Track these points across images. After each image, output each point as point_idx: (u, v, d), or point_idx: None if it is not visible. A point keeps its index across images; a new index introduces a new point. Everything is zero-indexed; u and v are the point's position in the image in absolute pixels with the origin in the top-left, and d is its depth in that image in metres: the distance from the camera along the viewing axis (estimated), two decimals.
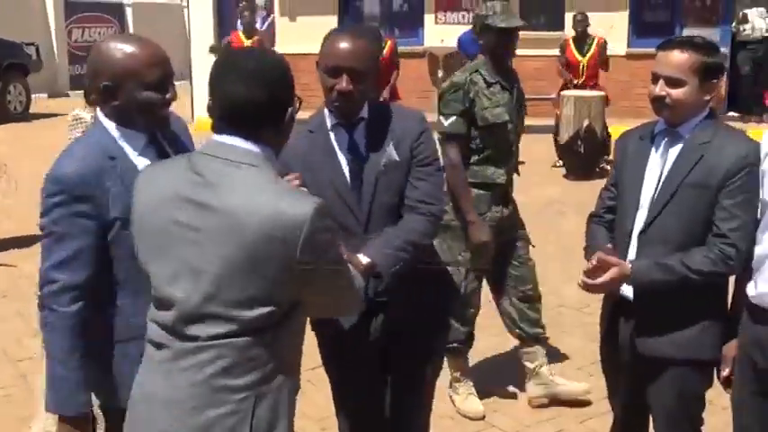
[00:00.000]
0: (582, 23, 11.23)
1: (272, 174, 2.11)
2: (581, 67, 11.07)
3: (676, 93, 2.87)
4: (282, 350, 2.16)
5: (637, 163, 3.04)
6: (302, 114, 2.38)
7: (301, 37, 14.13)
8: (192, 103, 14.71)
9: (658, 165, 2.98)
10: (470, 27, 11.11)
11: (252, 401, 2.10)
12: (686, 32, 14.48)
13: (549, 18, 14.96)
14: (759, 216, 2.80)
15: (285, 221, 1.99)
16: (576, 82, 11.08)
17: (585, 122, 10.38)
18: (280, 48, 16.07)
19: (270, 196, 2.03)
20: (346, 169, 2.96)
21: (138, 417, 2.21)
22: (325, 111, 3.00)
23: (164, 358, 2.16)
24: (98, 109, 2.65)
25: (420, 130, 2.99)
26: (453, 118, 4.29)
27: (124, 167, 2.55)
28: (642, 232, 2.96)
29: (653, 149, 3.01)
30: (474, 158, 4.35)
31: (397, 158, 2.93)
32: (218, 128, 2.13)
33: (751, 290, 2.79)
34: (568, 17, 12.78)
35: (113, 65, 2.52)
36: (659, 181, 2.94)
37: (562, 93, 10.81)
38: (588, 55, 11.12)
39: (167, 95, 2.60)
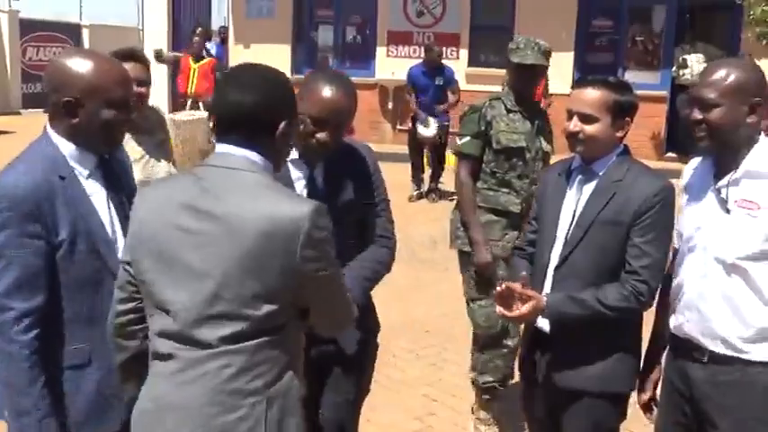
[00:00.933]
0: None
1: (271, 179, 2.13)
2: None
3: (589, 129, 2.90)
4: (288, 352, 2.17)
5: (554, 198, 3.06)
6: None
7: None
8: None
9: (573, 201, 3.00)
10: (420, 60, 11.28)
11: (264, 405, 2.10)
12: (628, 75, 14.69)
13: (497, 56, 14.89)
14: (675, 248, 2.90)
15: (285, 221, 2.02)
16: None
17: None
18: None
19: (269, 198, 2.06)
20: None
21: (151, 428, 2.15)
22: None
23: (174, 369, 2.11)
24: (48, 124, 2.45)
25: (372, 170, 2.99)
26: (467, 138, 4.29)
27: (73, 188, 2.41)
28: (557, 267, 2.98)
29: (568, 186, 3.03)
30: (488, 183, 4.29)
31: (353, 197, 2.90)
32: (218, 137, 2.15)
33: (672, 321, 2.87)
34: None
35: (78, 80, 2.37)
36: (574, 217, 2.96)
37: None
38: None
39: (130, 115, 2.52)
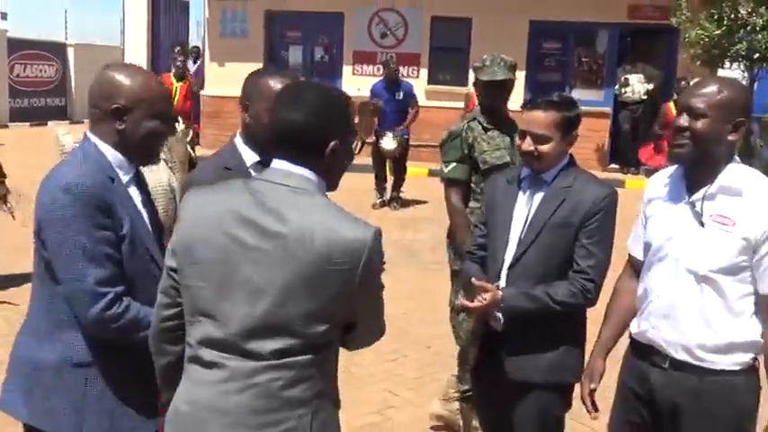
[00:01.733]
0: None
1: (328, 200, 2.06)
2: None
3: (543, 148, 2.95)
4: (331, 367, 2.13)
5: (505, 204, 3.09)
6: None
7: (229, 81, 14.03)
8: None
9: (525, 207, 3.03)
10: (382, 77, 11.58)
11: (309, 418, 2.03)
12: (575, 93, 14.99)
13: (454, 75, 15.30)
14: (642, 258, 2.84)
15: (345, 245, 1.95)
16: None
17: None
18: (208, 90, 16.07)
19: (329, 220, 1.97)
20: None
21: (191, 429, 2.06)
22: (240, 148, 2.80)
23: (219, 378, 2.01)
24: (90, 132, 2.45)
25: None
26: (453, 164, 4.19)
27: (122, 189, 2.42)
28: (511, 266, 3.01)
29: (520, 193, 3.07)
30: (481, 203, 4.07)
31: None
32: (274, 152, 2.09)
33: (634, 327, 2.83)
34: (472, 75, 13.04)
35: (129, 88, 2.40)
36: (526, 222, 3.00)
37: None
38: None
39: (168, 129, 2.53)
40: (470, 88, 11.82)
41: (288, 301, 1.95)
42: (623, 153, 14.95)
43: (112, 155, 2.42)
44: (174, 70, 11.62)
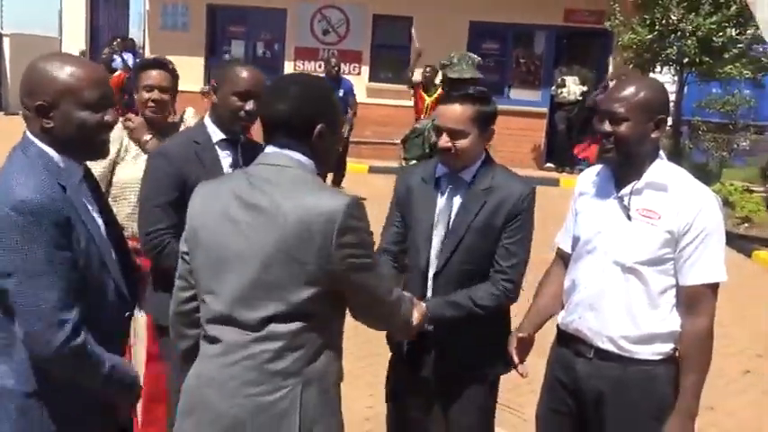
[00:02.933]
0: (431, 73, 11.86)
1: (313, 176, 2.19)
2: (426, 105, 11.66)
3: (461, 143, 2.90)
4: (327, 338, 2.18)
5: (425, 205, 3.03)
6: None
7: None
8: None
9: (446, 210, 2.99)
10: (323, 74, 11.61)
11: (300, 387, 2.11)
12: (513, 93, 15.23)
13: (395, 73, 15.33)
14: (570, 251, 2.88)
15: (323, 210, 2.06)
16: (422, 117, 11.66)
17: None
18: None
19: (309, 191, 2.11)
20: None
21: (195, 401, 2.17)
22: (208, 126, 3.15)
23: (218, 351, 2.15)
24: (28, 132, 2.22)
25: None
26: (413, 162, 4.18)
27: (74, 195, 2.20)
28: (437, 274, 2.98)
29: (438, 195, 3.01)
30: None
31: None
32: (264, 139, 2.24)
33: (560, 317, 2.88)
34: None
35: (50, 81, 2.14)
36: (448, 226, 2.96)
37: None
38: (433, 97, 11.73)
39: (106, 117, 2.22)
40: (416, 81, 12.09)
41: (271, 267, 2.07)
42: (559, 152, 15.19)
43: (57, 157, 2.19)
44: (102, 62, 11.54)
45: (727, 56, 12.16)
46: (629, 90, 2.61)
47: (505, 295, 2.93)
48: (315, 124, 2.18)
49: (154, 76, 3.67)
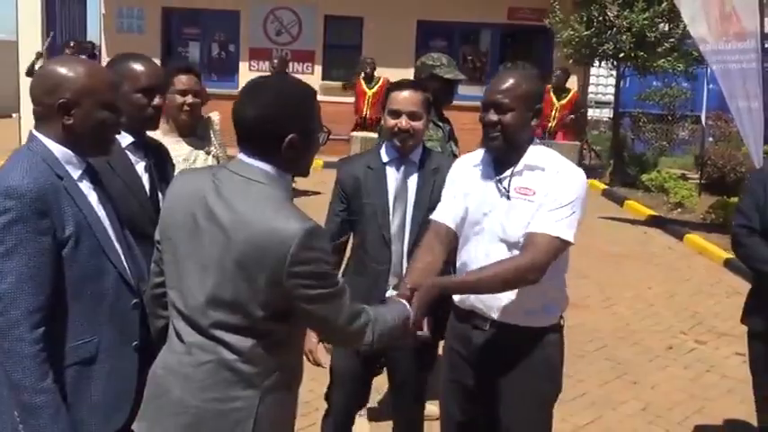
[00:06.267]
0: (370, 65, 12.02)
1: (280, 192, 2.06)
2: (367, 97, 12.07)
3: (417, 125, 3.15)
4: (286, 351, 2.13)
5: (378, 189, 3.22)
6: None
7: None
8: (20, 136, 13.99)
9: (403, 190, 3.20)
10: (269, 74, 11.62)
11: (257, 398, 2.07)
12: (461, 89, 15.21)
13: (347, 71, 15.40)
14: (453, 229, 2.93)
15: (277, 237, 1.95)
16: (365, 114, 12.02)
17: None
18: None
19: (269, 213, 1.99)
20: (147, 186, 2.89)
21: (161, 390, 2.15)
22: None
23: (182, 350, 2.11)
24: (35, 130, 2.29)
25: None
26: None
27: (71, 185, 2.25)
28: (411, 249, 3.13)
29: (390, 177, 3.23)
30: None
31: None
32: (238, 145, 2.11)
33: (456, 297, 2.97)
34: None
35: (73, 81, 2.22)
36: (410, 203, 3.20)
37: (352, 133, 11.20)
38: (374, 89, 11.87)
39: (121, 119, 2.38)
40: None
41: (226, 283, 2.01)
42: None
43: (60, 151, 2.26)
44: None
45: (660, 50, 12.42)
46: (513, 82, 2.74)
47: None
48: (286, 134, 2.05)
49: (186, 80, 3.68)
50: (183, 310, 2.12)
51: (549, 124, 11.54)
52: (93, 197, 2.34)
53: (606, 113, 18.56)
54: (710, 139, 14.97)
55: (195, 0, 15.74)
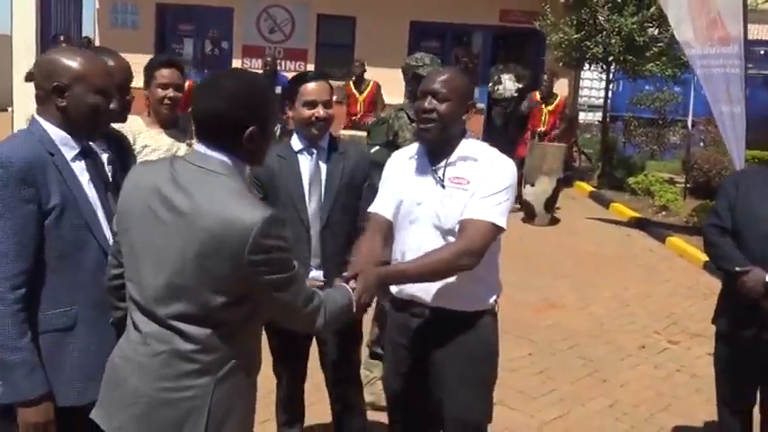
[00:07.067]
0: (359, 68, 11.96)
1: (238, 183, 2.10)
2: (359, 102, 11.78)
3: (331, 112, 3.35)
4: (243, 340, 2.16)
5: (292, 176, 3.37)
6: None
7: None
8: (14, 131, 14.04)
9: (317, 174, 3.37)
10: (261, 72, 11.67)
11: (212, 386, 2.10)
12: None
13: (340, 70, 15.44)
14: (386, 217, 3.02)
15: (236, 225, 1.99)
16: (355, 117, 11.98)
17: None
18: None
19: (228, 202, 2.02)
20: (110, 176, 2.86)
21: (118, 379, 2.18)
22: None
23: (139, 340, 2.14)
24: (36, 113, 2.47)
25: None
26: (377, 147, 4.43)
27: (62, 163, 2.41)
28: (324, 228, 3.37)
29: (303, 163, 3.38)
30: None
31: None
32: (196, 137, 2.16)
33: (394, 288, 3.03)
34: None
35: (66, 67, 2.41)
36: (324, 187, 3.36)
37: (341, 132, 11.22)
38: (365, 93, 11.86)
39: (112, 105, 2.52)
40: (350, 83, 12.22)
41: (184, 272, 2.04)
42: (496, 147, 15.32)
43: (55, 132, 2.43)
44: None
45: (649, 54, 12.48)
46: (449, 76, 2.90)
47: None
48: (246, 126, 2.09)
49: (168, 74, 3.76)
50: (139, 301, 2.15)
51: (540, 129, 11.46)
52: (84, 177, 2.47)
53: (599, 117, 18.61)
54: (701, 143, 15.04)
55: None
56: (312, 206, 3.37)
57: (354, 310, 2.45)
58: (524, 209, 10.78)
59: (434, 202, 2.88)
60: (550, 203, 10.74)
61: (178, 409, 2.09)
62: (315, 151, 3.40)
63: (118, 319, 2.40)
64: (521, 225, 10.43)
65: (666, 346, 6.23)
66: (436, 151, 2.91)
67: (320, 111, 3.31)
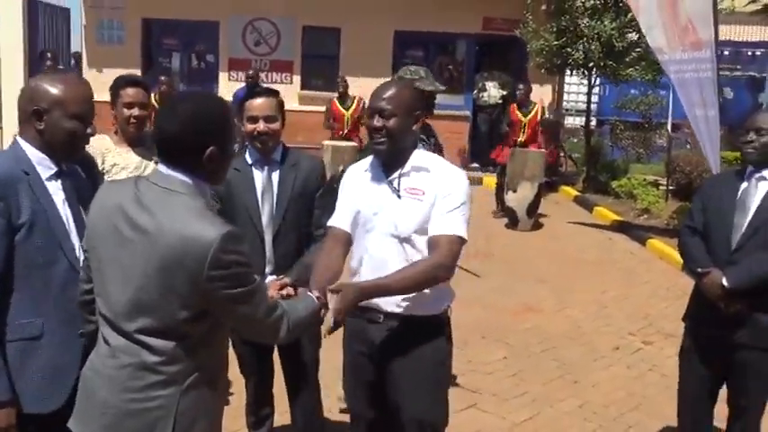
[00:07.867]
0: (343, 84, 12.02)
1: (199, 202, 2.18)
2: (345, 119, 11.83)
3: (274, 126, 3.50)
4: (208, 352, 2.25)
5: (246, 188, 3.56)
6: None
7: (106, 87, 13.94)
8: (3, 146, 14.15)
9: (269, 186, 3.57)
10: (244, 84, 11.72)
11: (177, 396, 2.18)
12: (438, 98, 15.40)
13: (325, 81, 15.64)
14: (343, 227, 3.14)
15: (196, 242, 2.07)
16: (342, 132, 11.87)
17: (340, 167, 10.84)
18: None
19: (188, 220, 2.11)
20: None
21: (89, 391, 2.27)
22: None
23: (107, 353, 2.23)
24: (18, 135, 2.62)
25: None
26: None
27: (36, 182, 2.54)
28: (274, 238, 3.57)
29: (256, 177, 3.57)
30: None
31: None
32: (159, 157, 2.25)
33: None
34: None
35: (46, 93, 2.56)
36: (273, 197, 3.55)
37: (324, 142, 11.35)
38: (351, 109, 11.88)
39: (88, 130, 2.64)
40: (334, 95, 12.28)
41: (149, 288, 2.12)
42: (482, 153, 15.54)
43: (33, 153, 2.57)
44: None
45: (628, 59, 12.65)
46: (393, 91, 2.97)
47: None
48: (205, 147, 2.18)
49: (133, 93, 3.86)
50: (108, 316, 2.24)
51: (519, 138, 11.45)
52: (59, 196, 2.60)
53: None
54: (688, 145, 15.19)
55: (175, 11, 15.88)
56: (265, 216, 3.56)
57: (333, 327, 2.59)
58: (507, 215, 10.92)
59: (391, 211, 3.00)
60: (532, 209, 10.87)
61: (145, 419, 2.17)
62: (266, 164, 3.57)
63: (89, 332, 2.49)
64: (504, 231, 10.58)
65: (640, 347, 6.36)
66: (390, 163, 3.03)
67: (261, 125, 3.48)
